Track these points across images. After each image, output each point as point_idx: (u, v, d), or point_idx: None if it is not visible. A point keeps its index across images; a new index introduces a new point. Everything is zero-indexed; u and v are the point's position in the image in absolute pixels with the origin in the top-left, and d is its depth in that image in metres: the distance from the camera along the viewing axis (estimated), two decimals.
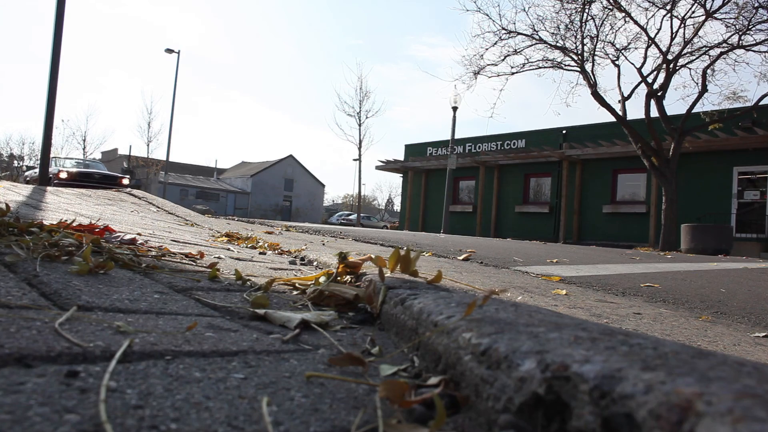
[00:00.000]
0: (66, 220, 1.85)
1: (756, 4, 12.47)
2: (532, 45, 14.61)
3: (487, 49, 14.99)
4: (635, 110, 53.45)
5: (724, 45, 13.22)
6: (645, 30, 13.78)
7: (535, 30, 14.42)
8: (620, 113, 13.75)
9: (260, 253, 2.36)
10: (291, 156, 55.17)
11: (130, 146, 49.85)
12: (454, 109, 19.66)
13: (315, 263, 2.04)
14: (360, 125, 31.20)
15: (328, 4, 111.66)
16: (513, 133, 23.23)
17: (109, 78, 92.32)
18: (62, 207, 3.61)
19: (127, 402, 0.58)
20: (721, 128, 15.56)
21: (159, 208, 5.20)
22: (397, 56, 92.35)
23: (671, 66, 13.54)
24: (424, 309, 0.95)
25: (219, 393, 0.64)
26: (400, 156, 27.23)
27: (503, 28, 14.56)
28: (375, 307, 1.17)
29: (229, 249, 2.39)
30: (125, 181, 15.47)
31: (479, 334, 0.73)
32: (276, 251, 2.47)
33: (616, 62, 14.32)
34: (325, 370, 0.79)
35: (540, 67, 14.87)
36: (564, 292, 1.92)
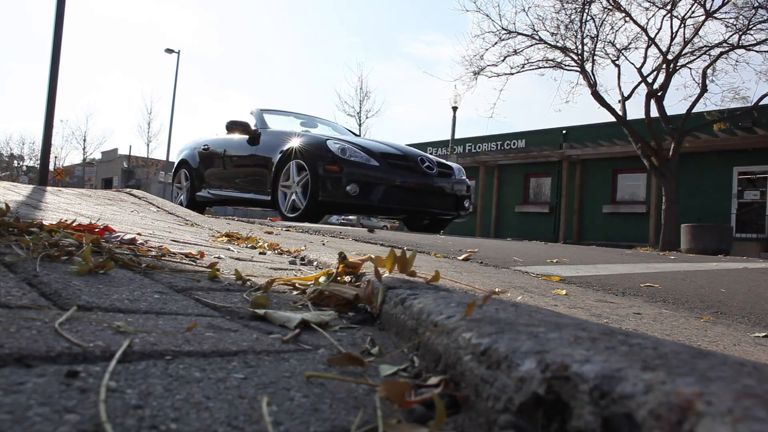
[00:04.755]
0: (66, 220, 1.85)
1: (756, 4, 12.48)
2: (532, 45, 14.63)
3: (487, 50, 15.03)
4: (635, 110, 53.46)
5: (724, 45, 13.23)
6: (645, 30, 13.79)
7: (535, 30, 14.44)
8: (620, 113, 13.76)
9: (260, 253, 2.36)
10: None
11: (130, 146, 49.96)
12: (454, 109, 19.67)
13: (315, 263, 2.04)
14: (360, 125, 31.17)
15: (324, 1, 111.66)
16: (513, 133, 23.22)
17: (109, 78, 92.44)
18: (62, 207, 3.61)
19: (127, 402, 0.58)
20: (721, 128, 15.56)
21: (159, 208, 5.20)
22: (395, 54, 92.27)
23: (671, 66, 13.55)
24: (424, 309, 0.95)
25: (219, 393, 0.64)
26: None
27: (503, 29, 14.59)
28: (375, 307, 1.17)
29: (229, 249, 2.39)
30: None
31: (479, 334, 0.73)
32: (276, 251, 2.47)
33: (616, 62, 14.33)
34: (325, 370, 0.79)
35: (540, 67, 14.89)
36: (564, 292, 1.92)
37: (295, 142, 6.50)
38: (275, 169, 6.63)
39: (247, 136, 7.38)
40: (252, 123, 7.55)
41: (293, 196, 6.40)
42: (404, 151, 6.75)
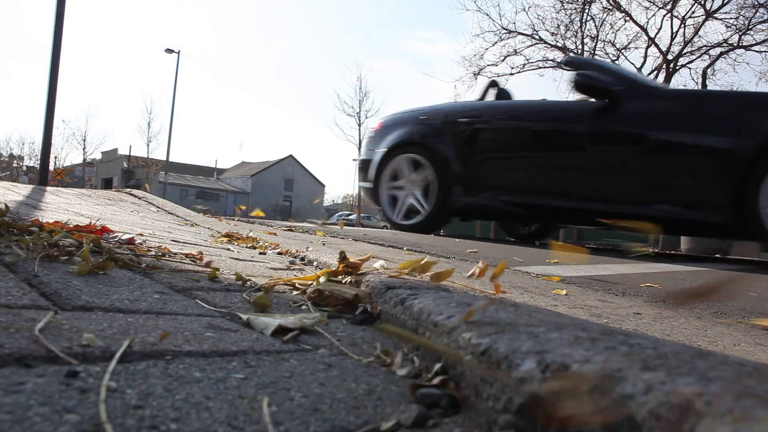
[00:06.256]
0: (67, 221, 1.85)
1: (756, 4, 12.48)
2: (532, 45, 14.64)
3: (487, 49, 15.04)
4: None
5: (724, 45, 13.24)
6: (645, 30, 13.81)
7: (535, 30, 14.46)
8: None
9: (260, 253, 2.36)
10: (291, 156, 55.36)
11: (130, 146, 50.02)
12: None
13: (315, 263, 2.04)
14: (360, 125, 31.19)
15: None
16: None
17: (109, 78, 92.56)
18: (62, 207, 3.61)
19: (127, 402, 0.58)
20: None
21: (159, 208, 5.20)
22: (392, 52, 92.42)
23: (671, 66, 13.56)
24: (424, 309, 0.95)
25: (219, 393, 0.64)
26: None
27: (503, 28, 14.60)
28: (375, 307, 1.17)
29: (229, 249, 2.39)
30: None
31: (479, 334, 0.73)
32: (276, 251, 2.47)
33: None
34: (325, 370, 0.79)
35: (540, 67, 14.90)
36: (564, 292, 1.92)
37: None
38: (743, 164, 3.67)
39: (595, 102, 4.37)
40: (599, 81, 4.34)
41: None
42: None
